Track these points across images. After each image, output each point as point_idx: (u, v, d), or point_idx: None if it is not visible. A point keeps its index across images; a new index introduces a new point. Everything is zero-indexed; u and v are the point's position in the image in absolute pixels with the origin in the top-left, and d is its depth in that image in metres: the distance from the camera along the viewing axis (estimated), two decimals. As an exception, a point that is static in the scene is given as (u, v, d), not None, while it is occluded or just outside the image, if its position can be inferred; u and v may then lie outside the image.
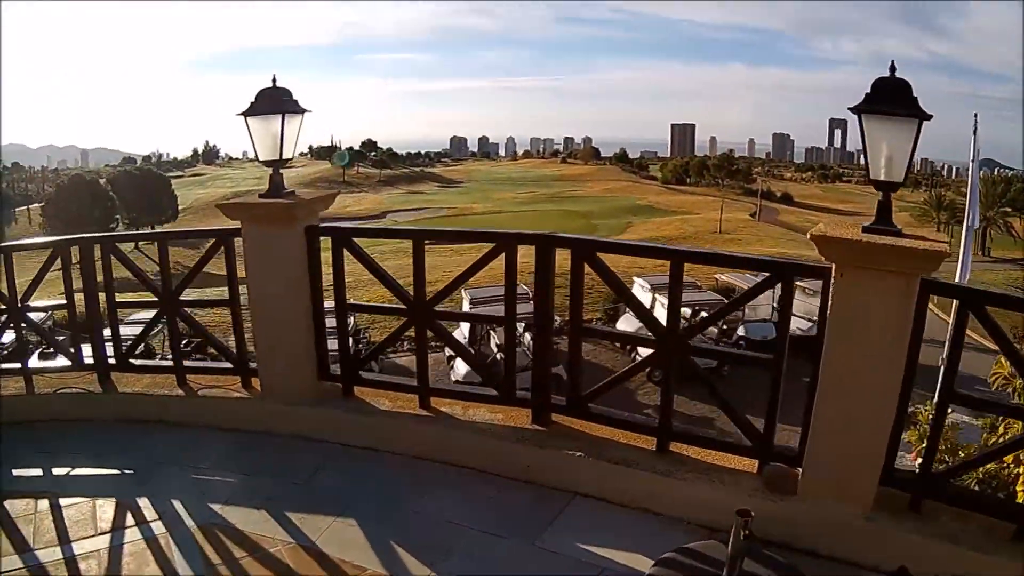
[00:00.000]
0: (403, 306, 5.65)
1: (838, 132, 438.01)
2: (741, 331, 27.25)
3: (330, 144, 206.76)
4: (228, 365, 6.21)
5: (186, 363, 6.47)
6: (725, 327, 26.33)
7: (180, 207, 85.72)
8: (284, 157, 5.25)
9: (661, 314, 18.83)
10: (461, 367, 24.03)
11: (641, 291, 27.91)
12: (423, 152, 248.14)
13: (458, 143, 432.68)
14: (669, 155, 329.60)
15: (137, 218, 72.70)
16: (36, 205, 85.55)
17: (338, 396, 5.87)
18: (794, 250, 57.59)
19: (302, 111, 5.23)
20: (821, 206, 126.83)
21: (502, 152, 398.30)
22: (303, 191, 5.52)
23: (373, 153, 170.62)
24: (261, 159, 5.29)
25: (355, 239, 5.53)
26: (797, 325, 18.60)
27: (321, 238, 5.49)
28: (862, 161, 4.27)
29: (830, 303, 4.02)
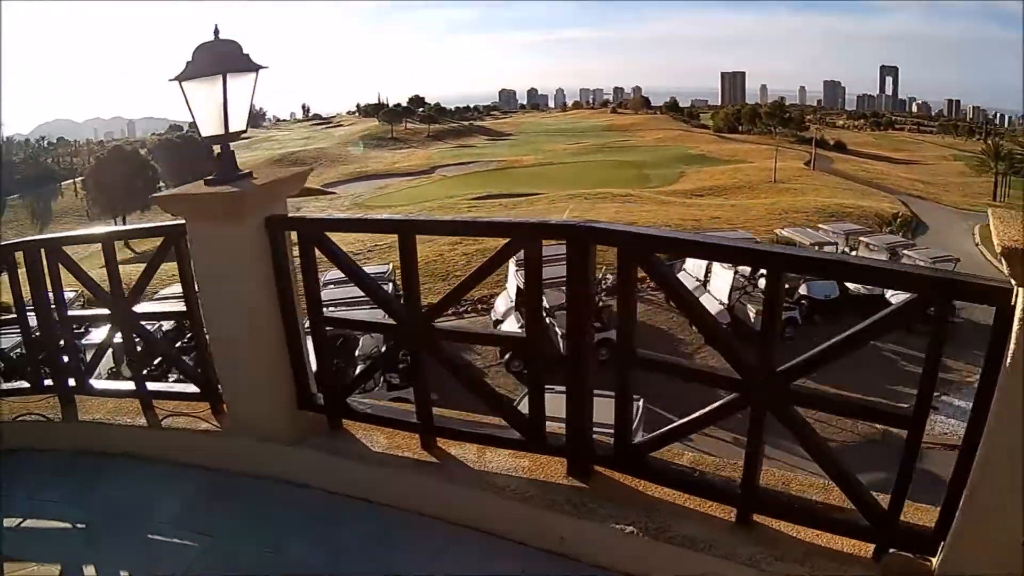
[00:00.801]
0: (391, 322, 4.28)
1: (889, 79, 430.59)
2: (803, 290, 25.60)
3: (377, 102, 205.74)
4: (195, 389, 5.01)
5: (151, 386, 5.32)
6: (788, 287, 24.62)
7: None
8: (233, 129, 3.98)
9: (722, 277, 17.46)
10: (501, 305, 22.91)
11: (690, 260, 26.12)
12: (472, 106, 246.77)
13: (507, 96, 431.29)
14: (720, 103, 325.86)
15: (180, 185, 70.15)
16: (81, 179, 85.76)
17: (322, 430, 4.63)
18: (851, 200, 55.65)
19: (255, 68, 3.94)
20: (875, 154, 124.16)
21: (551, 104, 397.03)
22: (320, 159, 4.29)
23: (421, 109, 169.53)
24: (204, 134, 4.02)
25: (329, 233, 4.17)
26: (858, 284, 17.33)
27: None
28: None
29: (1012, 342, 2.60)
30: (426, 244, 37.35)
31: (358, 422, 4.59)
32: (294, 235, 4.17)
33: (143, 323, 5.15)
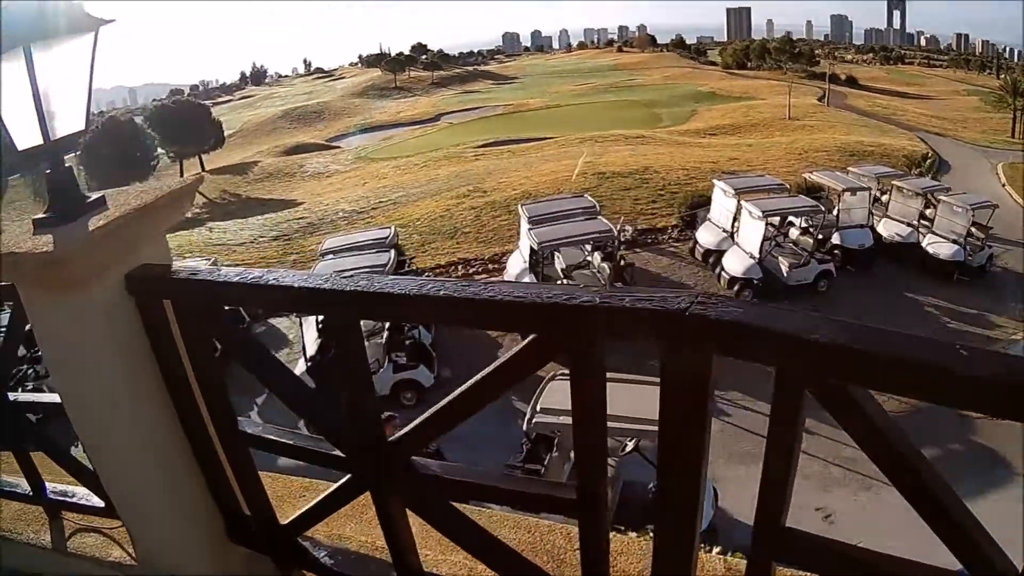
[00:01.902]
0: (338, 453, 2.55)
1: (897, 13, 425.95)
2: (836, 238, 23.91)
3: (379, 51, 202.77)
4: (99, 503, 3.45)
5: (51, 488, 3.79)
6: (820, 236, 22.99)
7: (228, 132, 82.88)
8: (62, 134, 2.37)
9: (752, 228, 15.73)
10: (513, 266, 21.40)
11: (723, 196, 24.57)
12: (476, 51, 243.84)
13: (511, 39, 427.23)
14: (725, 40, 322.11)
15: (180, 151, 70.20)
16: (77, 154, 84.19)
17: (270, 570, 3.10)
18: (870, 137, 53.70)
19: (88, 26, 2.30)
20: (887, 89, 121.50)
21: (556, 45, 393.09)
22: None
23: (424, 56, 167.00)
24: (19, 146, 2.38)
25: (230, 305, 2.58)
26: (895, 231, 15.82)
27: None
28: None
29: None
30: (432, 198, 35.77)
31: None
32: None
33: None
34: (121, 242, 2.52)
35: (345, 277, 2.23)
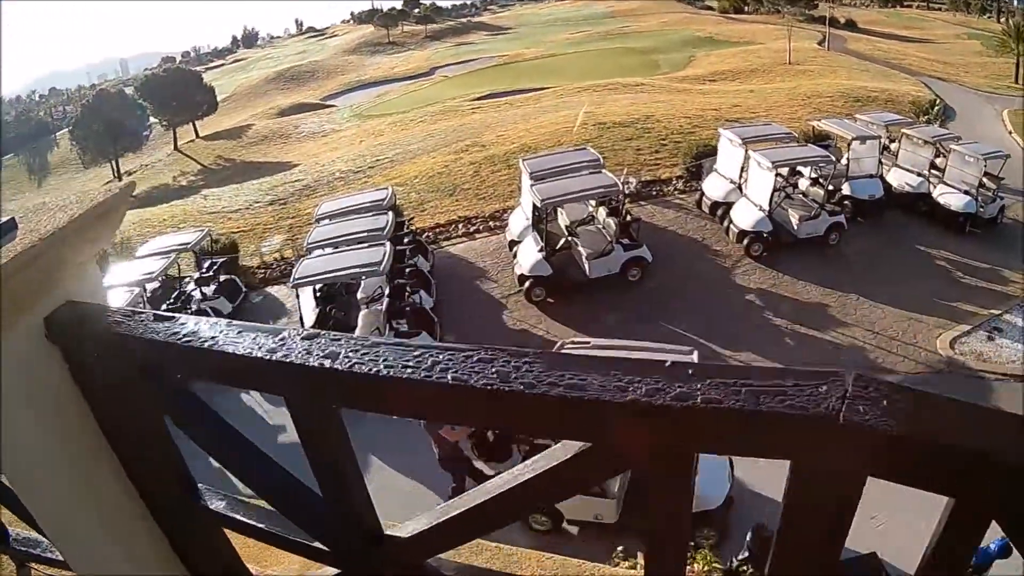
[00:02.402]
0: (320, 547, 2.01)
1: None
2: (846, 189, 23.19)
3: (371, 8, 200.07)
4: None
5: (15, 535, 3.34)
6: (831, 187, 22.26)
7: (221, 96, 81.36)
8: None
9: (761, 179, 15.00)
10: (525, 257, 20.73)
11: (730, 146, 23.75)
12: (469, 2, 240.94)
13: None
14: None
15: (173, 119, 68.80)
16: (68, 129, 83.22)
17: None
18: (873, 82, 52.59)
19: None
20: (887, 32, 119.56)
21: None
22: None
23: (416, 10, 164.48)
24: None
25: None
26: (905, 180, 15.12)
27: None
28: None
29: None
30: (429, 155, 35.01)
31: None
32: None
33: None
34: (37, 277, 1.91)
35: (324, 342, 1.60)
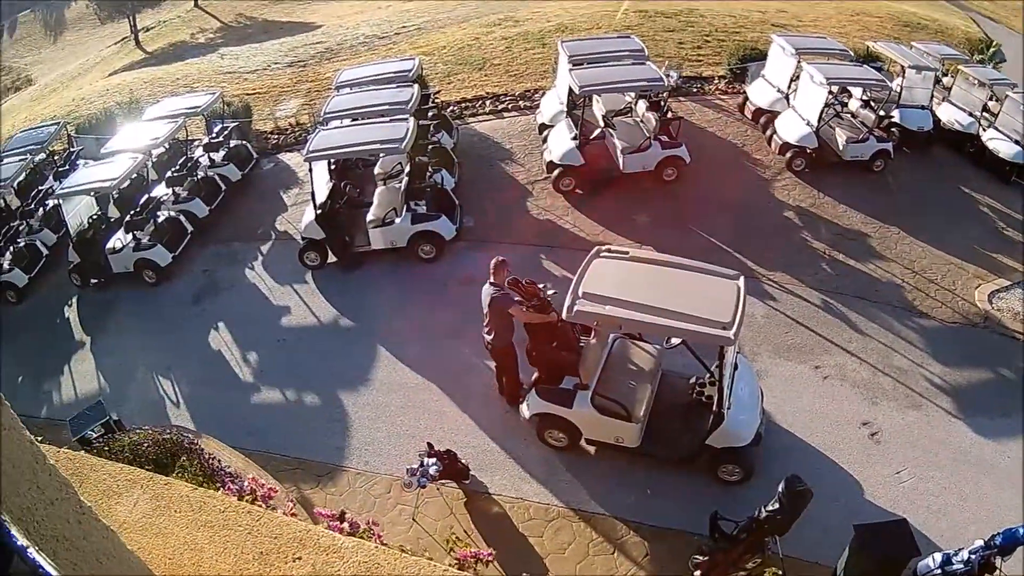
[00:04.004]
0: None
1: None
2: (896, 116, 22.03)
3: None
4: None
5: None
6: (881, 112, 21.08)
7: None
8: None
9: (812, 93, 13.81)
10: (556, 144, 19.74)
11: (782, 54, 22.33)
12: None
13: None
14: None
15: None
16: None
17: None
18: (923, 10, 50.01)
19: None
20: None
21: None
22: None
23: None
24: None
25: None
26: (955, 118, 13.82)
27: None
28: None
29: None
30: (459, 25, 33.49)
31: None
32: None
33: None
34: None
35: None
